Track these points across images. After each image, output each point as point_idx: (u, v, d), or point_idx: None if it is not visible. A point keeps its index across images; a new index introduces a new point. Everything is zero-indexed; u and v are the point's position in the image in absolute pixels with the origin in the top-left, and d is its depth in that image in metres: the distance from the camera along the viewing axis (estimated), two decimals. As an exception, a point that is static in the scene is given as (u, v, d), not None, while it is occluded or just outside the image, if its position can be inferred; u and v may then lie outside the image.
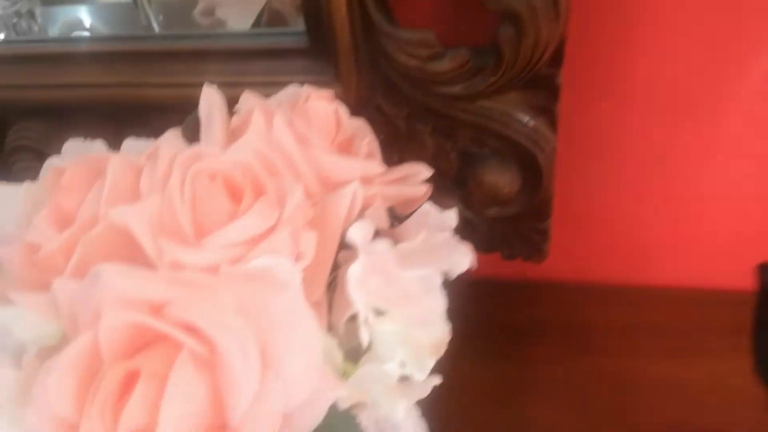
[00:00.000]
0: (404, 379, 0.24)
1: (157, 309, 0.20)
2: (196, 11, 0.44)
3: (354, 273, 0.21)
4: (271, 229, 0.22)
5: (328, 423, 0.22)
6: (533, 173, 0.34)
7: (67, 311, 0.21)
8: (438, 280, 0.23)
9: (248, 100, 0.28)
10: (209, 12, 0.44)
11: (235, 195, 0.22)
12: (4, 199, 0.27)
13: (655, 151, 0.37)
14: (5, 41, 0.42)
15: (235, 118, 0.27)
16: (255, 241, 0.22)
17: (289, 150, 0.25)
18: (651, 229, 0.41)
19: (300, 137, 0.26)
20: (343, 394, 0.20)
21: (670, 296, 0.41)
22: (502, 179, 0.34)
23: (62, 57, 0.38)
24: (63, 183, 0.24)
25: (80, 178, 0.25)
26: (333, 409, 0.22)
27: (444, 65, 0.30)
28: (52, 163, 0.28)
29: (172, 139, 0.25)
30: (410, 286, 0.23)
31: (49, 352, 0.22)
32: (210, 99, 0.27)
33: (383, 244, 0.22)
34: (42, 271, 0.23)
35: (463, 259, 0.24)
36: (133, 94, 0.36)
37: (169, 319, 0.20)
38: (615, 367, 0.39)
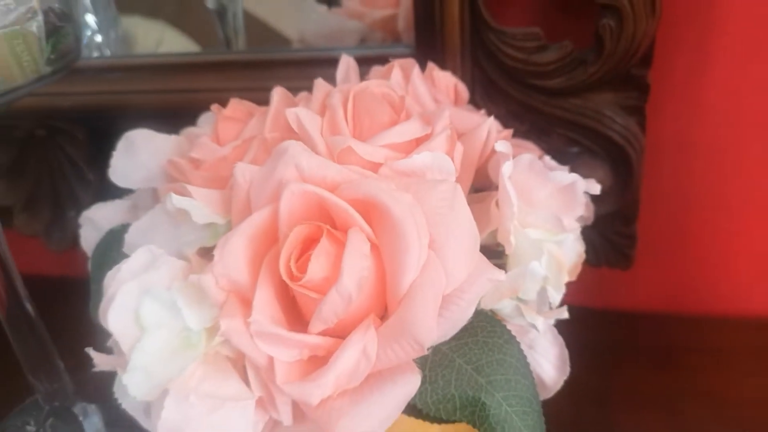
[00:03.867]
0: (541, 298, 0.25)
1: (331, 188, 0.22)
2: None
3: (507, 169, 0.23)
4: (429, 135, 0.24)
5: (476, 326, 0.23)
6: (624, 171, 0.36)
7: (241, 196, 0.22)
8: (577, 198, 0.25)
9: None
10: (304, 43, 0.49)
11: (394, 108, 0.25)
12: (154, 145, 0.30)
13: (731, 163, 0.39)
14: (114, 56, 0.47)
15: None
16: (413, 144, 0.24)
17: (423, 96, 0.28)
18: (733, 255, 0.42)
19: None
20: (499, 277, 0.21)
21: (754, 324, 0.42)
22: (594, 176, 0.36)
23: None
24: (225, 113, 0.27)
25: (239, 111, 0.27)
26: (480, 314, 0.23)
27: (549, 56, 0.34)
28: (188, 131, 0.31)
29: (322, 84, 0.28)
30: (549, 203, 0.25)
31: (208, 252, 0.24)
32: (347, 64, 0.30)
33: (527, 156, 0.24)
34: (204, 179, 0.25)
35: (594, 185, 0.26)
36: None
37: (344, 196, 0.21)
38: (703, 384, 0.38)
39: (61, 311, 0.38)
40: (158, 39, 0.55)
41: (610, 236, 0.39)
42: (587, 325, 0.40)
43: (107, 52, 0.51)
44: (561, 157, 0.37)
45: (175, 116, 0.33)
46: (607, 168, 0.37)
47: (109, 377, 0.39)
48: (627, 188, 0.37)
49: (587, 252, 0.39)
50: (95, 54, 0.48)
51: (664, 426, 0.35)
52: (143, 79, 0.42)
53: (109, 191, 0.37)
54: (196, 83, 0.40)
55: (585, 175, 0.30)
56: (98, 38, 0.51)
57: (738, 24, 0.35)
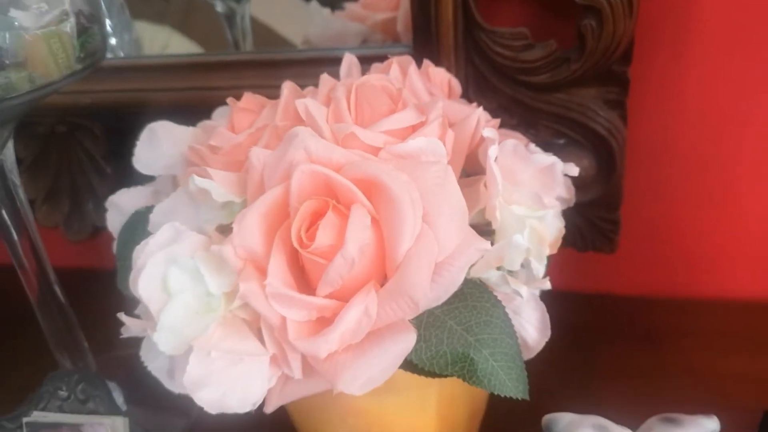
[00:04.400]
0: (525, 269, 0.27)
1: (336, 168, 0.24)
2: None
3: (492, 152, 0.25)
4: (423, 123, 0.26)
5: (466, 292, 0.26)
6: (608, 160, 0.39)
7: (256, 176, 0.25)
8: (556, 178, 0.27)
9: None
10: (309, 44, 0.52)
11: (392, 99, 0.27)
12: (174, 136, 0.32)
13: (704, 159, 0.42)
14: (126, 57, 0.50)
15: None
16: (409, 131, 0.26)
17: (419, 90, 0.31)
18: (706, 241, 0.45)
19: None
20: (485, 246, 0.24)
21: (729, 305, 0.44)
22: (579, 165, 0.38)
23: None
24: (240, 105, 0.30)
25: (252, 103, 0.30)
26: (470, 282, 0.26)
27: (536, 54, 0.36)
28: (204, 123, 0.34)
29: (328, 79, 0.30)
30: (532, 183, 0.27)
31: (226, 229, 0.27)
32: (349, 61, 0.33)
33: (511, 141, 0.27)
34: (222, 163, 0.28)
35: (572, 168, 0.29)
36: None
37: (347, 176, 0.24)
38: (682, 361, 0.41)
39: (79, 299, 0.41)
40: (164, 43, 0.58)
41: (596, 222, 0.42)
42: (574, 307, 0.43)
43: (121, 54, 0.54)
44: (548, 148, 0.39)
45: (188, 113, 0.36)
46: (592, 158, 0.39)
47: (119, 364, 0.42)
48: (610, 177, 0.39)
49: (574, 238, 0.43)
50: (109, 55, 0.51)
51: (645, 397, 0.38)
52: (159, 78, 0.45)
53: (124, 184, 0.39)
54: (208, 82, 0.43)
55: (573, 163, 0.33)
56: (113, 41, 0.54)
57: (711, 24, 0.38)
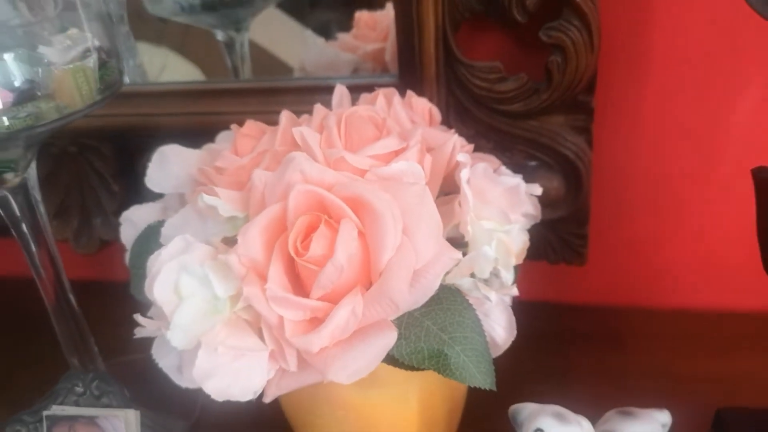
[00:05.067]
0: (495, 277, 0.31)
1: (328, 188, 0.28)
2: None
3: (465, 174, 0.29)
4: (404, 148, 0.30)
5: (441, 297, 0.29)
6: (576, 181, 0.43)
7: (258, 195, 0.29)
8: (521, 197, 0.31)
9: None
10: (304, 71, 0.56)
11: (377, 127, 0.31)
12: (183, 158, 0.36)
13: (663, 178, 0.46)
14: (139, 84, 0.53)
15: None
16: (392, 156, 0.30)
17: (402, 118, 0.34)
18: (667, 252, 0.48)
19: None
20: (457, 256, 0.28)
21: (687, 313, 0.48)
22: (550, 185, 0.43)
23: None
24: (243, 131, 0.33)
25: (253, 130, 0.34)
26: (445, 288, 0.29)
27: (509, 86, 0.40)
28: (209, 147, 0.38)
29: (321, 108, 0.34)
30: (500, 201, 0.31)
31: (230, 241, 0.30)
32: (340, 92, 0.37)
33: (482, 164, 0.31)
34: (227, 183, 0.31)
35: (536, 188, 0.32)
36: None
37: (338, 195, 0.28)
38: (647, 364, 0.45)
39: (85, 309, 0.44)
40: (162, 64, 0.62)
41: (566, 237, 0.45)
42: (546, 315, 0.47)
43: (126, 79, 0.57)
44: (521, 170, 0.43)
45: (192, 136, 0.39)
46: (561, 179, 0.43)
47: (124, 368, 0.45)
48: (578, 196, 0.43)
49: (547, 251, 0.46)
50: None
51: (610, 395, 0.41)
52: (165, 103, 0.48)
53: (131, 201, 0.43)
54: (211, 107, 0.47)
55: (542, 185, 0.37)
56: (118, 66, 0.57)
57: (665, 57, 0.42)
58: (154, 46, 0.60)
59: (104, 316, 0.46)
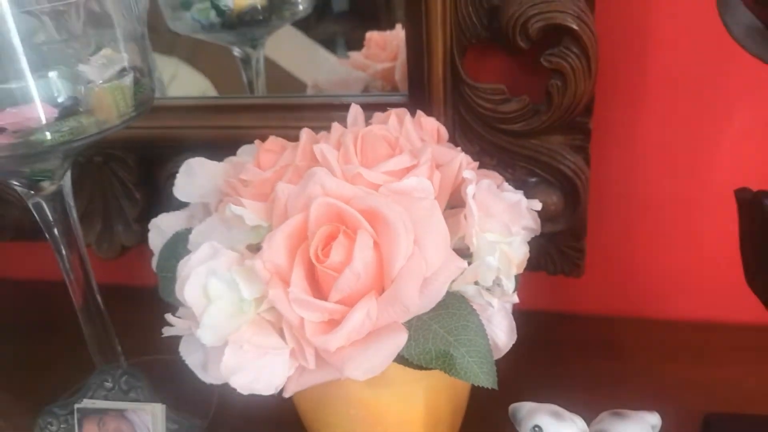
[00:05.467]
0: (497, 285, 0.34)
1: (346, 201, 0.31)
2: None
3: (470, 190, 0.32)
4: (415, 165, 0.33)
5: (448, 302, 0.32)
6: (573, 196, 0.45)
7: (281, 206, 0.31)
8: (522, 212, 0.34)
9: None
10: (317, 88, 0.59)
11: (390, 146, 0.34)
12: (207, 170, 0.39)
13: (657, 195, 0.48)
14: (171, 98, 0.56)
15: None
16: (404, 172, 0.33)
17: (412, 137, 0.37)
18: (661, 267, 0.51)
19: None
20: (463, 265, 0.30)
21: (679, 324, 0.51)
22: (549, 201, 0.45)
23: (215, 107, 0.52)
24: (265, 146, 0.36)
25: (275, 145, 0.37)
26: (451, 294, 0.32)
27: (512, 106, 0.43)
28: (231, 159, 0.40)
29: (338, 126, 0.37)
30: (502, 215, 0.34)
31: (254, 248, 0.33)
32: (355, 111, 0.39)
33: (486, 181, 0.33)
34: (252, 194, 0.34)
35: (536, 203, 0.35)
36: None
37: (355, 207, 0.30)
38: (637, 369, 0.47)
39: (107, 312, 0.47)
40: (173, 73, 0.64)
41: (564, 250, 0.48)
42: (545, 324, 0.50)
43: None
44: (522, 185, 0.46)
45: (212, 148, 0.42)
46: (560, 194, 0.46)
47: (144, 368, 0.47)
48: (576, 211, 0.46)
49: (546, 263, 0.49)
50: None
51: (605, 399, 0.43)
52: (187, 117, 0.51)
53: (152, 209, 0.45)
54: (231, 122, 0.50)
55: (542, 200, 0.40)
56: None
57: (659, 85, 0.45)
58: (164, 56, 0.63)
59: (123, 318, 0.48)
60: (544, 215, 0.44)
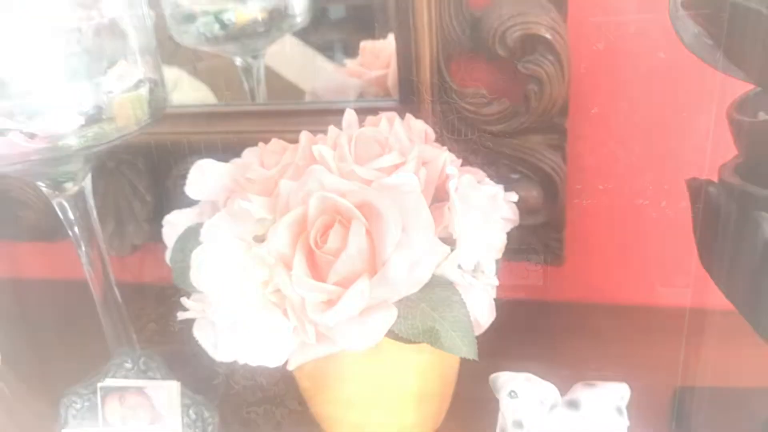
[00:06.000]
0: (478, 269, 0.37)
1: (341, 195, 0.34)
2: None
3: (453, 184, 0.35)
4: (403, 163, 0.37)
5: (434, 284, 0.35)
6: (552, 191, 0.49)
7: (283, 200, 0.35)
8: (499, 203, 0.37)
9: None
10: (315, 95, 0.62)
11: (381, 145, 0.38)
12: (216, 170, 0.42)
13: (629, 185, 0.52)
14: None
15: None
16: (393, 169, 0.37)
17: (401, 138, 0.41)
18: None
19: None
20: (446, 251, 0.34)
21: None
22: (530, 195, 0.49)
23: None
24: (269, 148, 0.40)
25: (277, 147, 0.40)
26: (437, 277, 0.36)
27: (493, 109, 0.47)
28: (236, 161, 0.44)
29: (334, 129, 0.41)
30: (482, 206, 0.37)
31: (259, 238, 0.37)
32: (350, 116, 0.43)
33: (467, 176, 0.37)
34: (257, 191, 0.38)
35: (512, 195, 0.39)
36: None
37: (349, 200, 0.34)
38: (616, 351, 0.51)
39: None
40: (174, 81, 0.68)
41: (546, 241, 0.52)
42: (527, 310, 0.53)
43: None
44: (505, 181, 0.50)
45: (217, 152, 0.45)
46: (540, 189, 0.50)
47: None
48: (555, 204, 0.50)
49: (529, 254, 0.53)
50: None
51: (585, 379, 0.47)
52: (195, 123, 0.55)
53: (161, 210, 0.49)
54: (235, 127, 0.54)
55: (523, 195, 0.43)
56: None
57: (627, 86, 0.49)
58: (166, 66, 0.66)
59: (132, 312, 0.52)
60: (525, 209, 0.48)
